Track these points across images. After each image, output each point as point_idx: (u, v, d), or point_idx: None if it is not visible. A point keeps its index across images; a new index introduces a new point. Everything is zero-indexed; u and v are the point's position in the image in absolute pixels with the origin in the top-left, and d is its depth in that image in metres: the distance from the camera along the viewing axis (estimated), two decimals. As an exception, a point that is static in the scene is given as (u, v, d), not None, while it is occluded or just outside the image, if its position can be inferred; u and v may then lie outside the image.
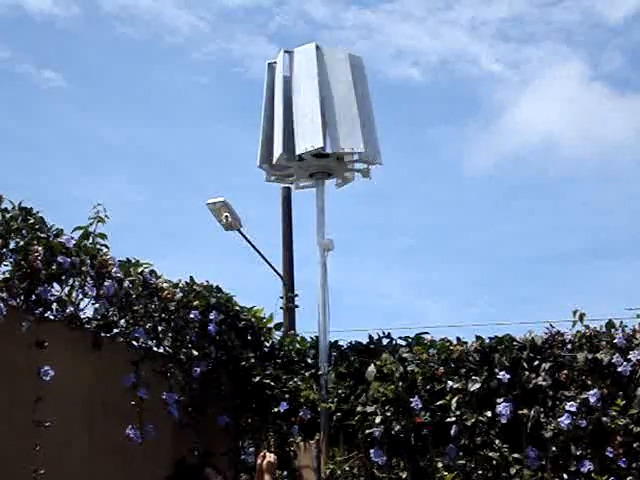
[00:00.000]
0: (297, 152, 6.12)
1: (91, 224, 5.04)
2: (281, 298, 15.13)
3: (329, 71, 6.26)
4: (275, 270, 15.16)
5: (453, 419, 5.46)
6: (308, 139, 6.07)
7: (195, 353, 5.66)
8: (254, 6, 30.28)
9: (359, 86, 6.31)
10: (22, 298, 4.56)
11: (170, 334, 5.51)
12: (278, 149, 6.15)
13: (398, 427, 5.53)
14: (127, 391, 5.08)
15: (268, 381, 5.91)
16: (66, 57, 28.41)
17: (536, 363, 5.48)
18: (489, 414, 5.42)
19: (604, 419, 5.24)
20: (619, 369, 5.28)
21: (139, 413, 5.08)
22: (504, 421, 5.36)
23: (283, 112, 6.21)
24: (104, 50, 28.10)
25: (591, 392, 5.27)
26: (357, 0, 32.08)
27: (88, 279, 4.89)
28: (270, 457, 5.24)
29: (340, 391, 5.77)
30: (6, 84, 26.80)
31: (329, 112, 6.15)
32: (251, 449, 5.80)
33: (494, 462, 5.37)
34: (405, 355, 5.73)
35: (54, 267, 4.67)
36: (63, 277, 4.76)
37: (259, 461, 5.26)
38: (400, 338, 5.89)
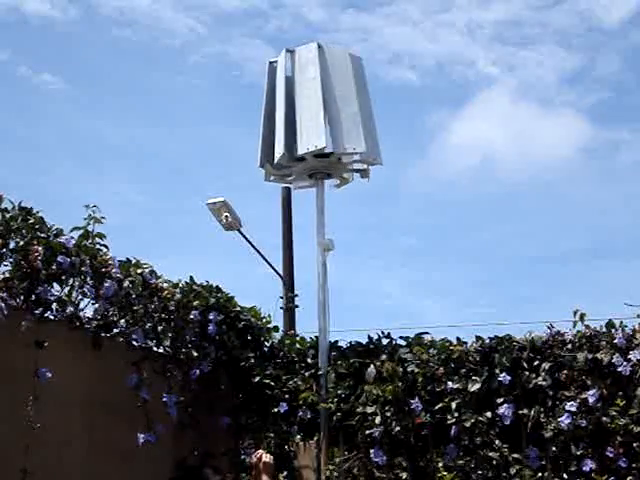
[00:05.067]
0: (299, 152, 6.10)
1: (88, 224, 5.03)
2: (281, 298, 15.14)
3: (331, 71, 6.25)
4: (275, 270, 15.16)
5: (453, 419, 5.45)
6: (310, 139, 6.06)
7: (195, 353, 5.66)
8: (251, 9, 30.30)
9: (359, 86, 6.30)
10: (22, 298, 4.56)
11: (170, 334, 5.51)
12: (279, 149, 6.13)
13: (398, 427, 5.53)
14: (127, 391, 5.08)
15: (268, 381, 5.91)
16: (64, 60, 28.43)
17: (536, 363, 5.47)
18: (489, 414, 5.42)
19: (604, 419, 5.24)
20: (619, 369, 5.28)
21: (145, 414, 5.08)
22: (507, 422, 5.35)
23: (285, 112, 6.20)
24: (103, 53, 28.13)
25: (591, 392, 5.27)
26: (354, 3, 32.08)
27: (88, 279, 4.90)
28: (266, 457, 5.25)
29: (340, 391, 5.76)
30: (5, 85, 26.81)
31: (331, 112, 6.13)
32: (251, 449, 5.79)
33: (494, 462, 5.37)
34: (405, 355, 5.72)
35: (54, 267, 4.67)
36: (63, 277, 4.75)
37: (254, 460, 5.28)
38: (400, 338, 5.88)
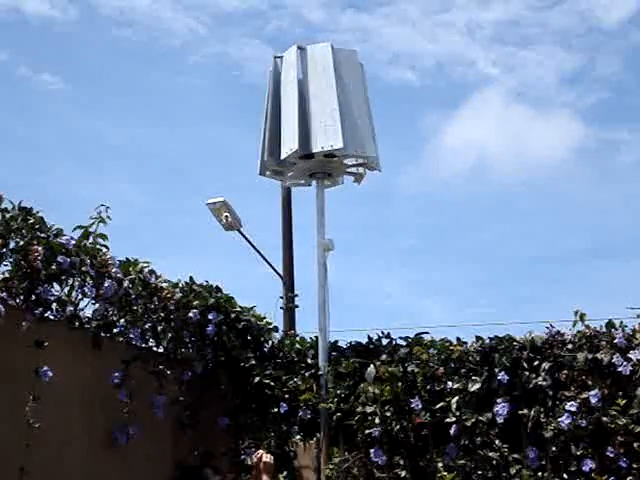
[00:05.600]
0: (282, 156, 6.14)
1: (92, 224, 5.04)
2: (281, 298, 15.12)
3: (310, 70, 6.24)
4: (275, 270, 15.15)
5: (453, 419, 5.45)
6: (288, 142, 6.09)
7: (194, 353, 5.66)
8: (251, 9, 30.31)
9: (350, 80, 6.26)
10: (22, 298, 4.56)
11: (170, 334, 5.51)
12: (266, 155, 6.21)
13: (398, 427, 5.53)
14: (127, 391, 5.08)
15: (268, 381, 5.91)
16: (64, 60, 28.42)
17: (536, 363, 5.47)
18: (489, 414, 5.42)
19: (604, 419, 5.24)
20: (619, 369, 5.28)
21: (127, 413, 5.06)
22: (501, 421, 5.35)
23: (271, 118, 6.24)
24: (103, 53, 28.14)
25: (591, 392, 5.26)
26: (353, 3, 32.07)
27: (88, 279, 4.89)
28: (267, 457, 5.25)
29: (340, 391, 5.76)
30: (5, 85, 26.83)
31: (307, 111, 6.12)
32: (251, 449, 5.79)
33: (494, 462, 5.37)
34: (405, 355, 5.72)
35: (54, 267, 4.66)
36: (63, 277, 4.75)
37: (255, 460, 5.28)
38: (400, 338, 5.88)
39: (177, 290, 5.63)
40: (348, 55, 6.36)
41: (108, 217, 5.06)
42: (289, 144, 6.08)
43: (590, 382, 5.32)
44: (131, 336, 5.19)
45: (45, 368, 4.47)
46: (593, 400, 5.24)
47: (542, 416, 5.36)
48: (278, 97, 6.30)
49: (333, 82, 6.15)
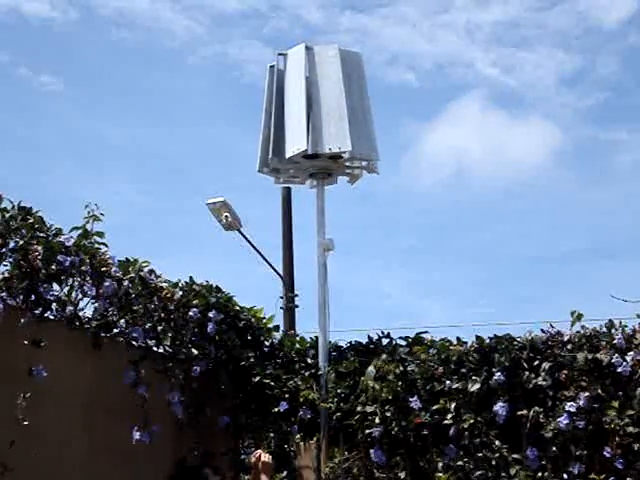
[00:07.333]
0: (286, 155, 6.12)
1: (87, 223, 5.03)
2: (281, 298, 15.14)
3: (318, 70, 6.23)
4: (275, 270, 15.16)
5: (453, 418, 5.45)
6: (295, 141, 6.07)
7: (195, 353, 5.66)
8: (250, 10, 30.32)
9: (355, 83, 6.25)
10: (22, 298, 4.56)
11: (170, 334, 5.50)
12: (270, 153, 6.18)
13: (398, 427, 5.53)
14: (128, 391, 5.08)
15: (268, 381, 5.91)
16: (64, 60, 28.44)
17: (536, 363, 5.47)
18: (489, 414, 5.41)
19: (603, 419, 5.24)
20: (619, 369, 5.28)
21: (144, 413, 5.07)
22: (501, 421, 5.35)
23: (276, 116, 6.22)
24: (102, 53, 28.17)
25: (591, 392, 5.26)
26: (352, 4, 32.07)
27: (87, 279, 4.89)
28: (265, 457, 5.25)
29: (340, 391, 5.76)
30: (5, 86, 26.85)
31: (316, 112, 6.12)
32: (251, 449, 5.79)
33: (493, 462, 5.36)
34: (405, 355, 5.72)
35: (54, 267, 4.66)
36: (62, 277, 4.75)
37: (253, 460, 5.28)
38: (400, 338, 5.89)
39: (177, 290, 5.63)
40: (353, 57, 6.36)
41: (101, 214, 5.05)
42: (296, 143, 6.05)
43: (590, 382, 5.32)
44: (132, 336, 5.19)
45: (40, 368, 4.46)
46: (592, 400, 5.24)
47: (542, 416, 5.36)
48: (281, 95, 6.28)
49: (341, 84, 6.16)
